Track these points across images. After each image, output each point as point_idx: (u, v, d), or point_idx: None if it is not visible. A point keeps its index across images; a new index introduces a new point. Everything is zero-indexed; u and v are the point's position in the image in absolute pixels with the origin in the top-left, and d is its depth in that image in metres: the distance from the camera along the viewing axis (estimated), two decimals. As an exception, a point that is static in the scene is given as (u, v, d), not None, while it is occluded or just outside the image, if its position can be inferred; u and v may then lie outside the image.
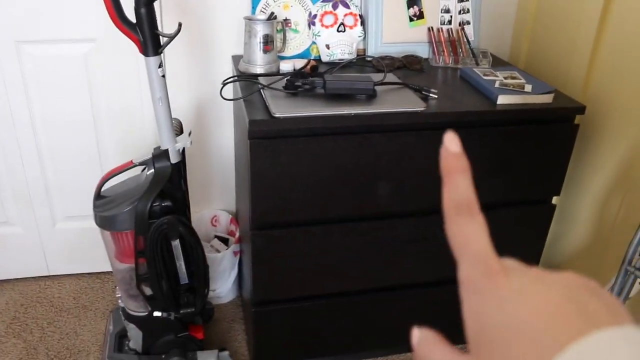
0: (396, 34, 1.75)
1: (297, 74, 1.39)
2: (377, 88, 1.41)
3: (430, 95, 1.44)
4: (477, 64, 1.73)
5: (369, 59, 1.71)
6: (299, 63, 1.58)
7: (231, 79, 1.50)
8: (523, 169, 1.53)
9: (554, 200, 1.65)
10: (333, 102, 1.34)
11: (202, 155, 1.88)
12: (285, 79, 1.38)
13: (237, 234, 1.86)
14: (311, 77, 1.39)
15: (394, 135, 1.37)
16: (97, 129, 1.75)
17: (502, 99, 1.45)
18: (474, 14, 1.81)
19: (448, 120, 1.38)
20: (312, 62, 1.57)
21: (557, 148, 1.53)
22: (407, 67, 1.67)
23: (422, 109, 1.35)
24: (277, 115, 1.26)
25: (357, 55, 1.73)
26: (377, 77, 1.49)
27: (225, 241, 1.90)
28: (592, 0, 1.60)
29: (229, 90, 1.66)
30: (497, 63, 1.79)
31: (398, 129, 1.37)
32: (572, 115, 1.50)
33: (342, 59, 1.69)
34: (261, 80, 1.45)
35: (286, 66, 1.55)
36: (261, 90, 1.39)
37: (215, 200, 1.96)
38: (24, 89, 1.64)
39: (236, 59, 1.69)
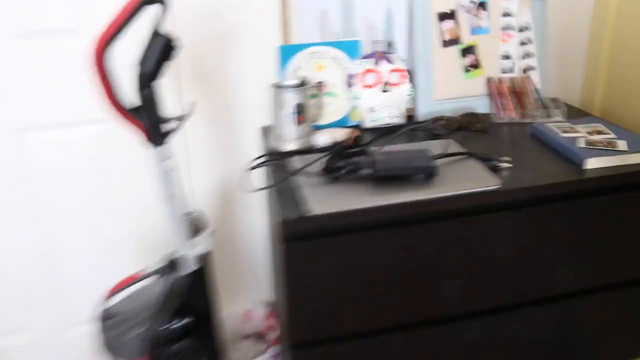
0: (450, 89, 1.49)
1: (338, 151, 1.14)
2: (440, 161, 1.15)
3: (502, 164, 1.17)
4: (550, 116, 1.45)
5: (421, 121, 1.45)
6: (338, 133, 1.34)
7: (258, 164, 1.26)
8: (623, 243, 1.23)
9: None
10: (384, 186, 1.08)
11: (230, 242, 1.63)
12: (324, 159, 1.12)
13: (277, 331, 1.59)
14: (355, 156, 1.13)
15: (462, 222, 1.10)
16: (111, 221, 1.53)
17: (591, 162, 1.16)
18: (539, 58, 1.54)
19: (528, 197, 1.11)
20: (355, 132, 1.32)
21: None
22: (467, 127, 1.40)
23: (496, 186, 1.07)
24: (316, 212, 1.00)
25: (407, 117, 1.48)
26: (434, 145, 1.22)
27: (262, 337, 1.63)
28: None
29: (258, 172, 1.42)
30: (572, 113, 1.51)
31: (466, 214, 1.10)
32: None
33: (389, 124, 1.43)
34: (295, 161, 1.20)
35: (323, 138, 1.30)
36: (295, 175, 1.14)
37: (248, 292, 1.70)
38: (27, 178, 1.44)
39: (266, 131, 1.45)
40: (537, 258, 1.19)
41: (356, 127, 1.44)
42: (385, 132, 1.40)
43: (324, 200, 1.04)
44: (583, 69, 1.68)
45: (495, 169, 1.17)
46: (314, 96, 1.42)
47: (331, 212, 1.01)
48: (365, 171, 1.11)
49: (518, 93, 1.48)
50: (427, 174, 1.10)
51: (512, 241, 1.16)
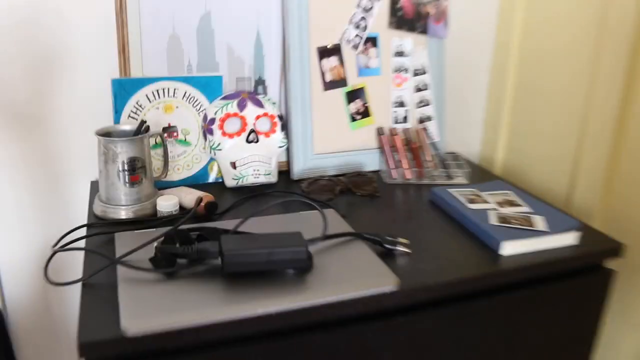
0: (333, 141, 1.20)
1: (175, 233, 0.80)
2: (314, 248, 0.85)
3: (398, 248, 0.88)
4: (450, 177, 1.20)
5: (296, 180, 1.15)
6: (188, 197, 1.00)
7: (68, 242, 0.91)
8: (538, 343, 0.99)
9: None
10: (239, 285, 0.76)
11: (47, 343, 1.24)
12: (155, 245, 0.79)
13: None
14: (201, 239, 0.81)
15: (346, 331, 0.80)
16: None
17: (508, 247, 0.90)
18: (437, 106, 1.30)
19: (431, 297, 0.83)
20: (207, 197, 0.99)
21: (583, 305, 1.01)
22: (352, 191, 1.11)
23: (392, 287, 0.78)
24: (131, 331, 0.66)
25: (279, 174, 1.17)
26: (310, 218, 0.92)
27: None
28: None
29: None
30: (473, 171, 1.27)
31: (352, 322, 0.80)
32: (601, 260, 0.98)
33: (255, 184, 1.12)
34: (123, 238, 0.86)
35: (167, 204, 0.96)
36: (115, 265, 0.80)
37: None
38: None
39: (95, 190, 1.09)
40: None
41: (218, 185, 1.11)
42: (250, 196, 1.08)
43: (148, 311, 0.69)
44: (483, 119, 1.46)
45: (389, 255, 0.88)
46: (157, 145, 1.08)
47: (154, 332, 0.67)
48: (213, 263, 0.78)
49: (414, 148, 1.22)
50: (298, 269, 0.79)
51: (411, 350, 0.87)
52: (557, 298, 0.96)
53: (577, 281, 0.97)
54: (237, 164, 1.10)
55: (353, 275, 0.79)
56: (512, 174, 1.38)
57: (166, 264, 0.77)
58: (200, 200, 0.97)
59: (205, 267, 0.79)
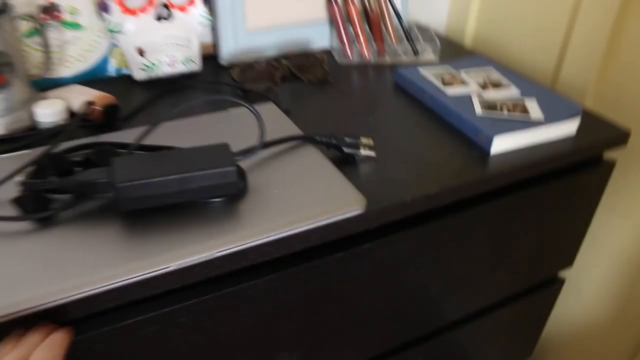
0: (271, 13, 0.94)
1: (47, 159, 0.56)
2: (249, 163, 0.62)
3: (361, 152, 0.66)
4: (417, 53, 0.97)
5: (226, 67, 0.91)
6: (78, 99, 0.75)
7: None
8: (526, 247, 0.83)
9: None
10: (143, 230, 0.53)
11: None
12: (18, 179, 0.55)
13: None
14: (88, 164, 0.58)
15: (298, 273, 0.60)
16: None
17: (498, 144, 0.70)
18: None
19: (406, 216, 0.63)
20: (104, 98, 0.74)
21: (578, 202, 0.84)
22: (297, 77, 0.88)
23: (356, 211, 0.57)
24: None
25: (205, 59, 0.92)
26: (243, 116, 0.69)
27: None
28: None
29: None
30: (446, 47, 1.04)
31: (306, 258, 0.61)
32: (603, 151, 0.79)
33: (172, 74, 0.86)
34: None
35: (48, 111, 0.71)
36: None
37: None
38: None
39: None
40: (418, 291, 0.74)
41: (124, 79, 0.86)
42: (165, 91, 0.83)
43: (12, 278, 0.47)
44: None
45: (349, 162, 0.67)
46: (35, 33, 0.80)
47: (20, 310, 0.45)
48: (105, 198, 0.55)
49: (373, 20, 0.97)
50: (227, 197, 0.57)
51: (386, 280, 0.68)
52: (551, 198, 0.78)
53: (575, 177, 0.78)
54: (145, 50, 0.84)
55: (304, 198, 0.58)
56: (485, 48, 1.15)
57: (37, 207, 0.54)
58: (91, 103, 0.72)
59: (96, 204, 0.56)
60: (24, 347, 0.43)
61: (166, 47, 0.85)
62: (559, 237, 0.87)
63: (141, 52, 0.84)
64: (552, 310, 1.17)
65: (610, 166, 0.83)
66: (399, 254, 0.66)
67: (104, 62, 0.87)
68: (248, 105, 0.60)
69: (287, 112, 0.77)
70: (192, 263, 0.51)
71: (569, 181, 0.78)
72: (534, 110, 0.77)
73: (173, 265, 0.50)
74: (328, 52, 0.99)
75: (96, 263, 0.49)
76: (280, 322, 0.62)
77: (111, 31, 0.84)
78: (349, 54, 0.95)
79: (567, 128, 0.76)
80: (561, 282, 1.00)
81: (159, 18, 0.85)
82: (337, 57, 0.96)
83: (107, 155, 0.60)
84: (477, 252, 0.76)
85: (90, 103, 0.72)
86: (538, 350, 1.24)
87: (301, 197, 0.58)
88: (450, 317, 0.83)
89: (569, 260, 0.95)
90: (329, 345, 0.70)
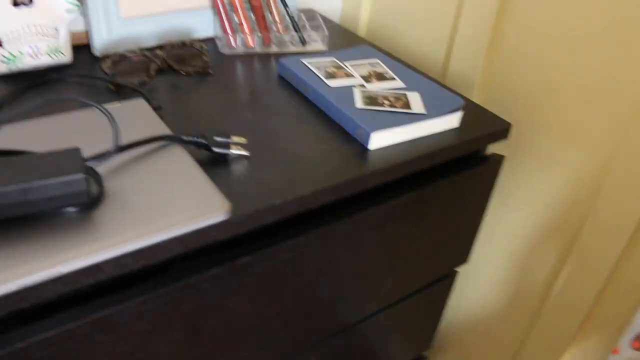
0: (150, 0, 0.89)
1: None
2: (108, 166, 0.58)
3: (233, 152, 0.63)
4: (304, 42, 0.94)
5: (100, 58, 0.85)
6: None
7: None
8: (420, 247, 0.82)
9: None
10: None
11: None
12: None
13: None
14: None
15: (157, 290, 0.56)
16: None
17: (377, 139, 0.68)
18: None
19: (277, 220, 0.61)
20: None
21: (469, 199, 0.85)
22: (174, 69, 0.83)
23: (220, 217, 0.54)
24: None
25: (77, 50, 0.86)
26: (112, 113, 0.64)
27: None
28: None
29: None
30: (336, 36, 1.02)
31: (167, 270, 0.57)
32: (488, 144, 0.79)
33: (38, 67, 0.80)
34: None
35: None
36: None
37: None
38: None
39: None
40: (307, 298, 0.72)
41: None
42: (28, 86, 0.77)
43: None
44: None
45: (219, 162, 0.63)
46: None
47: None
48: None
49: (256, 6, 0.93)
50: (79, 206, 0.52)
51: (260, 294, 0.65)
52: (441, 196, 0.77)
53: (464, 174, 0.78)
54: (3, 40, 0.77)
55: (165, 204, 0.54)
56: (378, 37, 1.14)
57: None
58: None
59: None
60: None
61: (27, 37, 0.78)
62: (453, 235, 0.87)
63: (-1, 43, 0.77)
64: (450, 301, 1.18)
65: (498, 161, 0.83)
66: (281, 265, 0.64)
67: (-43, 53, 0.79)
68: (97, 105, 0.56)
69: (158, 108, 0.72)
70: (38, 280, 0.46)
71: (457, 178, 0.78)
72: (416, 103, 0.76)
73: (12, 285, 0.46)
74: (212, 42, 0.95)
75: None
76: (158, 344, 0.59)
77: (-37, 19, 0.76)
78: (232, 43, 0.91)
79: (450, 121, 0.75)
80: (454, 273, 1.00)
81: (16, 4, 0.77)
82: (220, 47, 0.92)
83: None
84: (367, 256, 0.74)
85: None
86: (439, 340, 1.26)
87: (162, 203, 0.54)
88: (345, 321, 0.82)
89: (463, 258, 0.95)
90: None
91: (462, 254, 0.94)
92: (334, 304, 0.77)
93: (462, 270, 1.12)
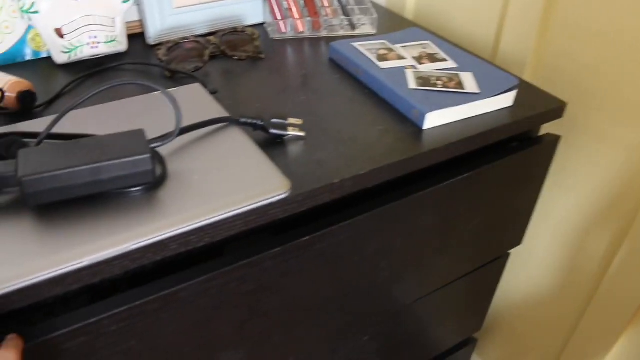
0: (198, -12, 0.91)
1: None
2: (169, 148, 0.59)
3: (290, 133, 0.64)
4: (354, 26, 0.94)
5: (155, 47, 0.87)
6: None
7: None
8: (474, 228, 0.82)
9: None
10: (55, 223, 0.50)
11: None
12: None
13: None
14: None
15: (237, 268, 0.58)
16: None
17: (432, 119, 0.68)
18: None
19: (336, 200, 0.61)
20: (18, 84, 0.70)
21: (524, 180, 0.84)
22: (227, 54, 0.84)
23: (282, 195, 0.55)
24: None
25: (131, 39, 0.88)
26: (169, 108, 0.66)
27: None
28: None
29: None
30: (382, 17, 1.02)
31: (233, 248, 0.59)
32: (542, 123, 0.78)
33: (96, 56, 0.82)
34: None
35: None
36: None
37: None
38: None
39: None
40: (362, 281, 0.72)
41: (45, 62, 0.81)
42: (88, 75, 0.79)
43: None
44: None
45: (276, 143, 0.64)
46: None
47: None
48: (12, 192, 0.52)
49: (305, -9, 0.94)
50: (144, 185, 0.54)
51: (318, 272, 0.66)
52: (496, 177, 0.76)
53: (520, 155, 0.77)
54: (64, 31, 0.80)
55: (226, 183, 0.56)
56: (426, 20, 1.13)
57: None
58: (15, 86, 0.67)
59: (4, 199, 0.53)
60: None
61: (86, 28, 0.81)
62: (507, 217, 0.87)
63: (60, 34, 0.80)
64: (500, 283, 1.17)
65: (554, 141, 0.82)
66: (339, 245, 0.64)
67: (21, 44, 0.82)
68: (161, 89, 0.57)
69: (214, 92, 0.74)
70: (108, 256, 0.48)
71: (513, 159, 0.77)
72: (470, 83, 0.75)
73: (86, 260, 0.48)
74: (261, 28, 0.96)
75: (3, 261, 0.46)
76: (220, 321, 0.60)
77: (25, 11, 0.79)
78: (282, 28, 0.92)
79: (504, 101, 0.74)
80: (507, 255, 1.00)
81: (76, -4, 0.80)
82: (270, 33, 0.93)
83: (15, 147, 0.56)
84: (422, 237, 0.74)
85: (10, 90, 0.67)
86: (488, 322, 1.25)
87: (224, 183, 0.56)
88: (399, 302, 0.82)
89: (517, 240, 0.94)
90: (274, 340, 0.68)
91: (515, 236, 0.93)
92: (389, 285, 0.77)
93: (514, 252, 1.11)
